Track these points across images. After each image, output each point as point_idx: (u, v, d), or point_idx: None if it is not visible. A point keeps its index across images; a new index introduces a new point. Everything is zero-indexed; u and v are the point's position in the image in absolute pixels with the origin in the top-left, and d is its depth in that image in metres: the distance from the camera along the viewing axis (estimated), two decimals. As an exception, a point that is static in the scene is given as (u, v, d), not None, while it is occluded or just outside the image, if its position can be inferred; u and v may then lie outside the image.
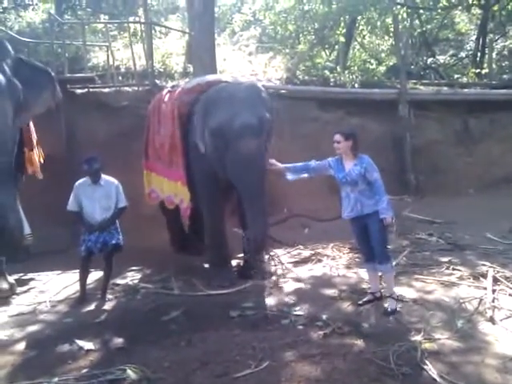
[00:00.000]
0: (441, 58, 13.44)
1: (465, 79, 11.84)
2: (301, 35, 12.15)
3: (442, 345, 3.46)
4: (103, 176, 4.80)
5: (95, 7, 12.84)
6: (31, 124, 5.82)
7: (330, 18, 11.23)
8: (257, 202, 4.50)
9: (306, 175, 4.35)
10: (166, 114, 5.53)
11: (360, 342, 3.51)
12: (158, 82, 8.38)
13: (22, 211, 4.96)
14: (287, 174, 4.36)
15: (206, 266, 5.50)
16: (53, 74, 5.68)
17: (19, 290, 5.12)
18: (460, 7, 12.44)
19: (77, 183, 4.81)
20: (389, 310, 4.02)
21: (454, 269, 5.09)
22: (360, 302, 4.23)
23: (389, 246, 4.49)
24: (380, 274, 4.31)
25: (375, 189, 3.99)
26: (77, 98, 7.79)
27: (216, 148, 4.70)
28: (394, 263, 5.21)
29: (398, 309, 4.03)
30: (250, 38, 12.62)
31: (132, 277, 5.49)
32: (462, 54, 13.98)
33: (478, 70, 11.78)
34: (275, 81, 9.59)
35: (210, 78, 5.73)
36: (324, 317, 3.98)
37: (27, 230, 4.77)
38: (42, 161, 6.19)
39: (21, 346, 3.78)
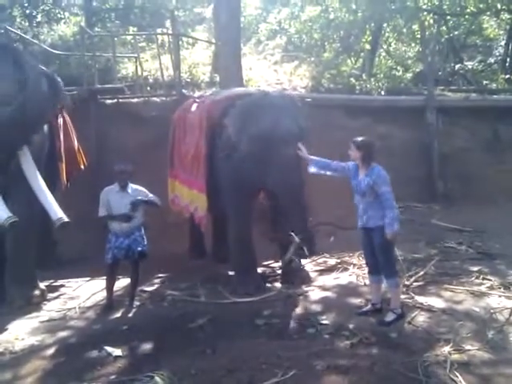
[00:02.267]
0: (469, 64, 13.22)
1: (494, 85, 11.63)
2: (326, 43, 12.18)
3: (473, 356, 3.39)
4: (131, 184, 4.87)
5: (124, 19, 13.11)
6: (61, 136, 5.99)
7: (355, 25, 11.22)
8: (298, 205, 4.61)
9: (327, 173, 4.40)
10: (193, 124, 5.61)
11: (388, 353, 3.47)
12: (185, 91, 8.50)
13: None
14: (310, 166, 4.42)
15: (231, 273, 5.52)
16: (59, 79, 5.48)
17: (49, 296, 5.23)
18: (488, 12, 12.24)
19: (104, 189, 4.87)
20: (385, 320, 3.99)
21: (484, 278, 5.00)
22: (359, 312, 4.23)
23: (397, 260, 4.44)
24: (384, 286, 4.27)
25: (383, 202, 3.95)
26: (107, 109, 7.97)
27: (256, 154, 4.73)
28: (422, 272, 5.19)
29: (395, 322, 3.96)
30: (276, 47, 12.69)
31: (159, 284, 5.55)
32: (491, 60, 13.73)
33: (507, 76, 11.57)
34: (300, 89, 9.61)
35: (238, 90, 5.81)
36: (351, 326, 3.96)
37: (60, 214, 4.75)
38: (83, 167, 6.35)
39: (51, 351, 3.87)
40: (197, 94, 8.23)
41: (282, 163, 4.57)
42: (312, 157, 4.47)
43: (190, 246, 6.59)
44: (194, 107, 5.83)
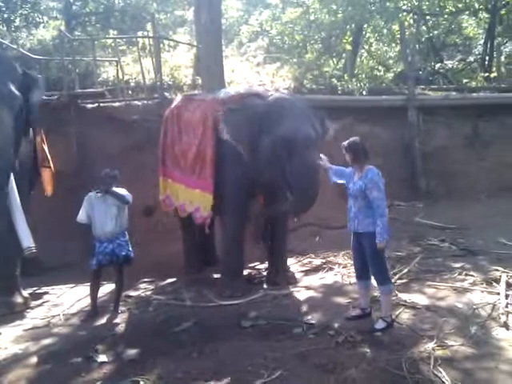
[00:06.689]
0: (449, 63, 13.40)
1: (474, 83, 11.80)
2: (308, 44, 12.23)
3: (456, 352, 3.43)
4: (114, 188, 4.81)
5: (104, 23, 13.06)
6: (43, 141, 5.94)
7: (336, 26, 11.29)
8: (308, 200, 4.65)
9: (342, 181, 4.21)
10: (191, 122, 5.47)
11: (373, 351, 3.50)
12: (167, 94, 8.47)
13: (29, 225, 4.98)
14: (331, 176, 4.29)
15: (217, 276, 5.50)
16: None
17: (33, 303, 5.15)
18: (467, 12, 12.43)
19: (88, 195, 4.81)
20: (375, 327, 3.88)
21: (466, 274, 5.05)
22: (348, 317, 4.15)
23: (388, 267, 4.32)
24: (375, 291, 4.24)
25: (374, 209, 3.84)
26: (88, 113, 7.90)
27: (276, 155, 4.70)
28: (405, 270, 5.23)
29: (385, 329, 3.85)
30: (258, 49, 12.74)
31: (144, 288, 5.51)
32: (471, 59, 13.91)
33: (486, 74, 11.76)
34: (283, 90, 9.63)
35: (243, 89, 5.83)
36: (336, 325, 3.97)
37: (30, 243, 4.82)
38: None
39: (35, 359, 3.81)
40: (179, 96, 8.19)
41: (305, 165, 4.55)
42: (331, 166, 4.30)
43: (187, 258, 6.07)
44: (192, 105, 5.66)
